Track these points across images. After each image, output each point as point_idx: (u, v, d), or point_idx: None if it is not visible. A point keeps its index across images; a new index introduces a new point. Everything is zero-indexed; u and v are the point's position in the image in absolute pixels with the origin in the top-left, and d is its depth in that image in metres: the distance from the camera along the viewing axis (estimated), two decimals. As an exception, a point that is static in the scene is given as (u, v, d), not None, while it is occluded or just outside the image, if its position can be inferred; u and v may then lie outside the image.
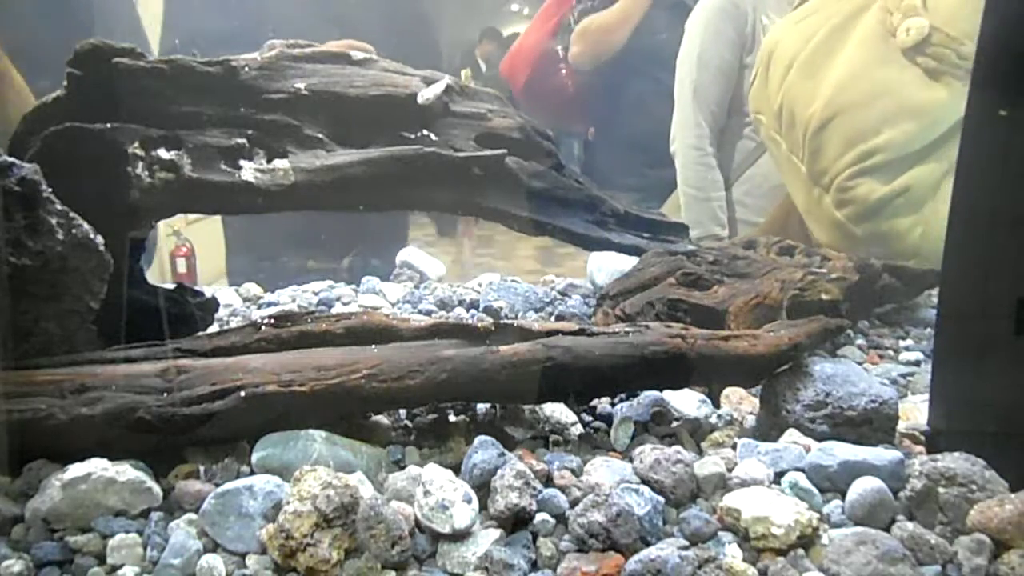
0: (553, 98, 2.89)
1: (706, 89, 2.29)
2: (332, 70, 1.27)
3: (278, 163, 1.16)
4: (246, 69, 1.19)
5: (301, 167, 1.16)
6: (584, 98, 2.86)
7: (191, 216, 2.19)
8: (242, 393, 0.88)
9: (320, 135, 1.21)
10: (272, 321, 1.00)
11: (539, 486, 0.85)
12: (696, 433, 1.05)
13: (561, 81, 2.83)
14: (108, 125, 1.07)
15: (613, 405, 1.11)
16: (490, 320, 1.31)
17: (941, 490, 0.85)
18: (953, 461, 0.87)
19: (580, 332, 1.00)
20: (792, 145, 1.87)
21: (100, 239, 0.97)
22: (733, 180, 2.35)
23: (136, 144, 1.08)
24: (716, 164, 2.31)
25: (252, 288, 1.82)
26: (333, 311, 1.55)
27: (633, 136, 2.78)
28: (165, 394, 0.88)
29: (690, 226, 1.68)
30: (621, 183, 2.78)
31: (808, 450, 0.93)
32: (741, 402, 1.15)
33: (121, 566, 0.78)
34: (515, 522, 0.83)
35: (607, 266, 1.70)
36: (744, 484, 0.89)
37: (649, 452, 0.91)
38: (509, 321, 1.03)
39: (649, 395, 1.08)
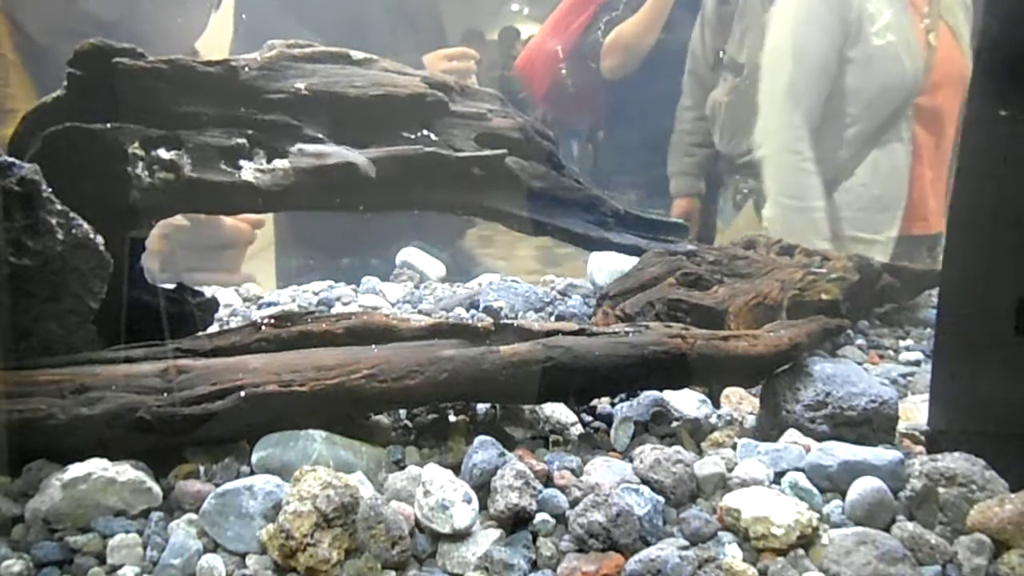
0: (581, 101, 2.91)
1: (803, 85, 2.08)
2: (332, 70, 1.27)
3: (278, 163, 1.16)
4: (246, 69, 1.19)
5: (301, 167, 1.16)
6: (610, 99, 2.88)
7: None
8: (242, 393, 0.88)
9: (320, 135, 1.21)
10: (272, 321, 1.00)
11: (539, 486, 0.85)
12: (696, 433, 1.05)
13: (590, 84, 2.84)
14: (108, 125, 1.07)
15: (613, 405, 1.11)
16: (490, 320, 1.31)
17: (941, 490, 0.85)
18: (953, 461, 0.87)
19: (580, 332, 1.00)
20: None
21: (100, 239, 0.97)
22: (831, 190, 2.16)
23: (136, 144, 1.08)
24: (815, 170, 2.10)
25: (252, 288, 1.82)
26: (333, 311, 1.55)
27: (657, 136, 2.80)
28: (165, 394, 0.88)
29: (788, 240, 1.58)
30: (633, 182, 2.83)
31: (808, 450, 0.93)
32: (741, 402, 1.15)
33: (121, 566, 0.78)
34: (515, 522, 0.83)
35: (607, 266, 1.70)
36: (744, 484, 0.89)
37: (649, 452, 0.91)
38: (509, 321, 1.03)
39: (649, 395, 1.08)
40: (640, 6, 2.73)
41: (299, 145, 1.16)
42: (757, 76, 2.43)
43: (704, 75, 2.68)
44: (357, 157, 1.19)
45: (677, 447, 0.94)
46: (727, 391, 1.16)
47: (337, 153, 1.17)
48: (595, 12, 2.84)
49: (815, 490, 0.88)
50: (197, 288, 1.25)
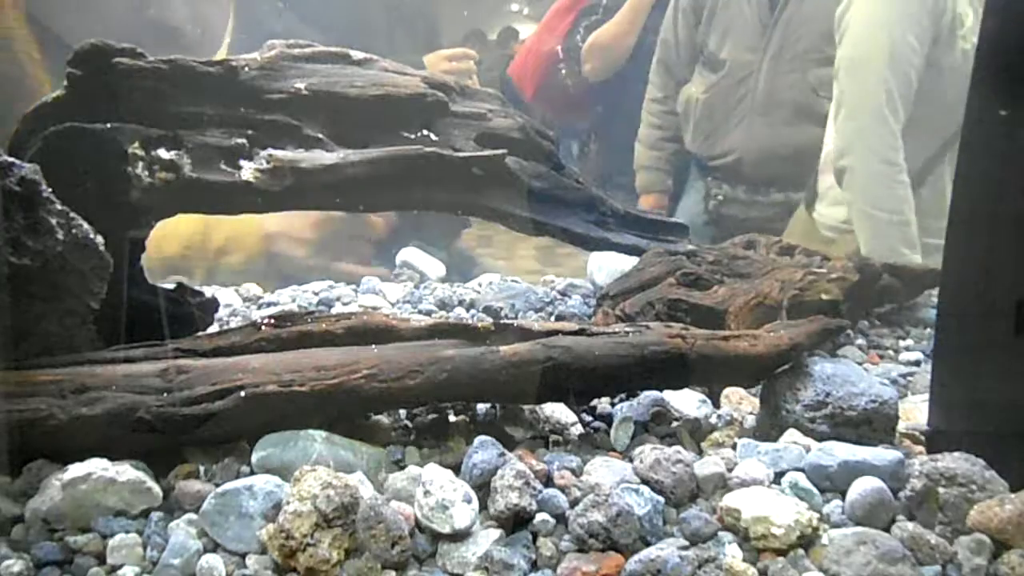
0: (565, 102, 2.91)
1: (898, 94, 1.95)
2: (332, 70, 1.27)
3: (247, 164, 1.15)
4: (246, 69, 1.19)
5: (301, 167, 1.16)
6: (595, 99, 2.88)
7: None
8: (242, 393, 0.88)
9: (320, 135, 1.21)
10: (272, 321, 1.00)
11: (539, 486, 0.85)
12: (696, 433, 1.05)
13: (574, 85, 2.84)
14: (108, 125, 1.07)
15: (613, 405, 1.11)
16: (490, 320, 1.31)
17: (941, 490, 0.85)
18: (953, 461, 0.87)
19: (580, 332, 1.00)
20: None
21: (100, 239, 0.97)
22: None
23: (136, 144, 1.08)
24: (908, 181, 1.97)
25: (252, 288, 1.82)
26: (333, 311, 1.55)
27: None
28: (165, 394, 0.88)
29: (873, 254, 1.49)
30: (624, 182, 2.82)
31: (808, 450, 0.93)
32: (741, 402, 1.15)
33: (121, 566, 0.78)
34: (515, 522, 0.83)
35: (607, 266, 1.70)
36: (744, 484, 0.89)
37: (649, 452, 0.91)
38: (509, 321, 1.03)
39: (649, 395, 1.08)
40: (619, 9, 2.73)
41: (269, 151, 1.15)
42: (740, 75, 2.43)
43: (675, 66, 2.66)
44: (335, 157, 1.17)
45: (677, 447, 0.94)
46: (727, 391, 1.16)
47: (310, 158, 1.16)
48: (576, 16, 2.85)
49: (815, 490, 0.88)
50: (197, 288, 1.25)
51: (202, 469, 0.89)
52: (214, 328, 1.23)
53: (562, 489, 0.87)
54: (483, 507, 0.84)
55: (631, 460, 0.93)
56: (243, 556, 0.79)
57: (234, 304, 1.69)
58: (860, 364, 1.27)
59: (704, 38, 2.54)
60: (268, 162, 1.13)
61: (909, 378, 1.28)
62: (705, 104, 2.53)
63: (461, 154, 1.30)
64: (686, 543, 0.82)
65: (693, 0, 2.57)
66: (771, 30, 2.40)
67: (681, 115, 2.63)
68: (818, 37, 2.29)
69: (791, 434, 0.98)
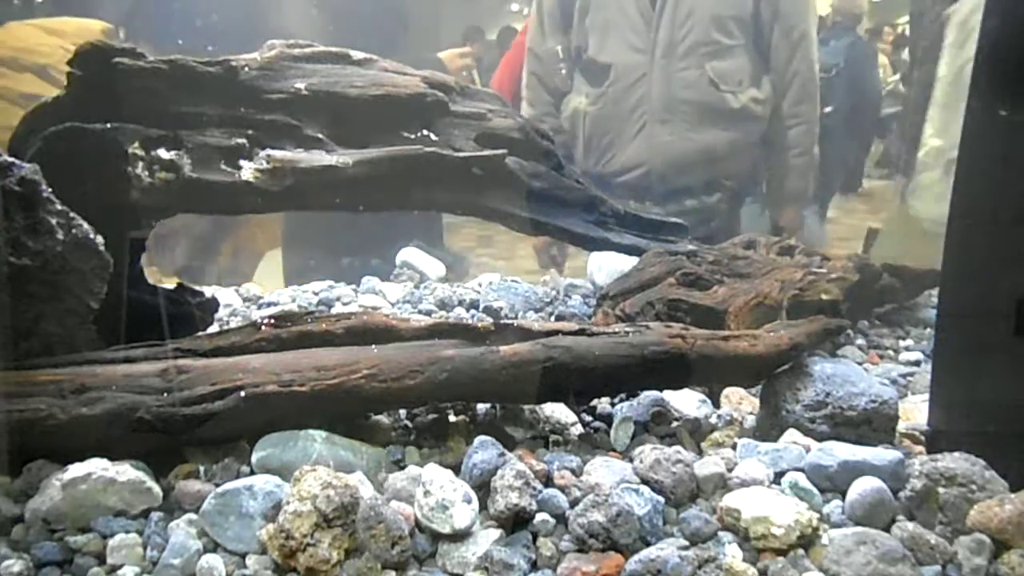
0: None
1: None
2: (332, 70, 1.27)
3: (245, 164, 1.15)
4: (246, 69, 1.19)
5: (301, 167, 1.16)
6: None
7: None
8: (242, 393, 0.88)
9: (320, 135, 1.21)
10: (272, 321, 1.00)
11: (539, 486, 0.85)
12: (696, 433, 1.05)
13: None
14: (108, 125, 1.07)
15: (613, 405, 1.11)
16: (490, 320, 1.31)
17: (941, 490, 0.85)
18: (953, 461, 0.87)
19: (580, 332, 1.00)
20: None
21: (100, 239, 0.97)
22: None
23: (136, 144, 1.08)
24: None
25: (252, 288, 1.82)
26: (333, 311, 1.55)
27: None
28: (165, 394, 0.88)
29: None
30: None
31: (808, 450, 0.93)
32: (741, 402, 1.15)
33: (121, 566, 0.78)
34: (515, 522, 0.83)
35: (607, 266, 1.70)
36: (744, 484, 0.89)
37: (649, 452, 0.91)
38: (509, 321, 1.03)
39: (649, 395, 1.08)
40: None
41: (268, 151, 1.15)
42: (630, 79, 2.16)
43: (548, 77, 2.35)
44: (333, 159, 1.17)
45: (677, 447, 0.94)
46: (727, 391, 1.16)
47: (308, 159, 1.15)
48: None
49: (815, 490, 0.88)
50: (197, 288, 1.25)
51: (202, 469, 0.89)
52: (214, 328, 1.23)
53: (562, 489, 0.87)
54: (483, 507, 0.84)
55: (631, 460, 0.93)
56: (243, 556, 0.79)
57: (234, 304, 1.69)
58: (860, 364, 1.27)
59: (581, 41, 2.25)
60: (267, 162, 1.13)
61: (909, 378, 1.28)
62: (595, 117, 2.24)
63: (461, 154, 1.30)
64: (686, 543, 0.82)
65: (560, 1, 2.26)
66: (656, 24, 2.13)
67: (568, 132, 2.30)
68: (710, 24, 2.10)
69: (791, 434, 0.98)
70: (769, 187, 2.42)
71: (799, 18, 2.20)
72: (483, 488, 0.85)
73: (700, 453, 0.99)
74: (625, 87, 2.18)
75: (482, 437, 0.90)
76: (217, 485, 0.83)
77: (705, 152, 2.20)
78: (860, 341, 1.47)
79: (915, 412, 1.09)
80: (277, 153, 1.14)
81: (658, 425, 1.06)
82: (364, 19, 2.23)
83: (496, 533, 0.81)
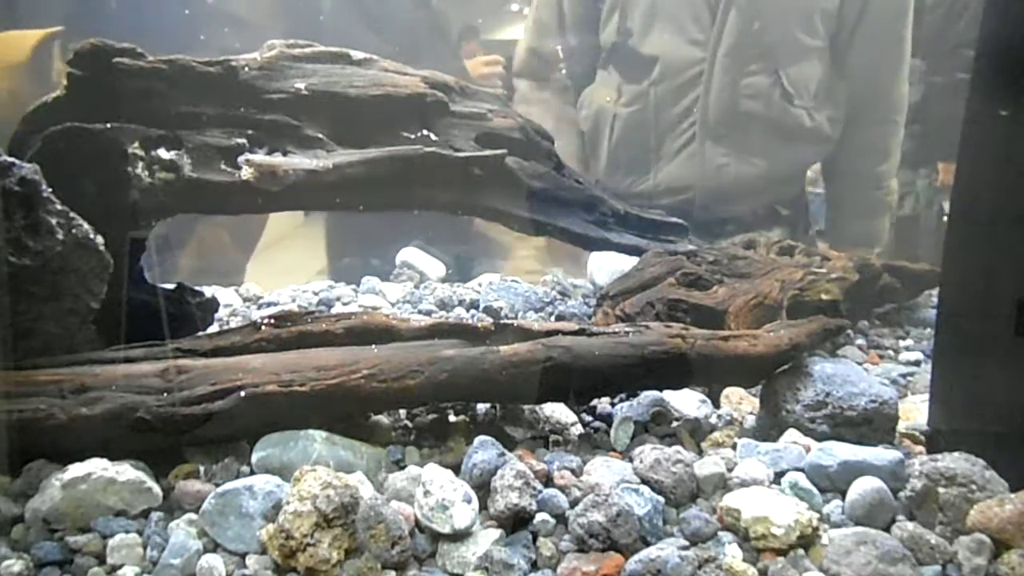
0: None
1: None
2: (332, 70, 1.27)
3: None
4: (246, 69, 1.19)
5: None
6: None
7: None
8: (242, 393, 0.88)
9: (320, 135, 1.21)
10: (272, 321, 1.00)
11: (539, 486, 0.85)
12: (696, 433, 1.05)
13: None
14: (108, 125, 1.07)
15: (613, 405, 1.11)
16: (490, 320, 1.31)
17: (941, 490, 0.85)
18: (953, 461, 0.87)
19: (580, 332, 1.00)
20: None
21: (100, 239, 0.97)
22: None
23: (136, 144, 1.08)
24: None
25: (252, 288, 1.82)
26: (333, 311, 1.55)
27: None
28: (165, 394, 0.88)
29: None
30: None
31: (808, 450, 0.93)
32: (741, 402, 1.15)
33: (121, 566, 0.78)
34: (515, 522, 0.83)
35: (607, 266, 1.70)
36: (744, 484, 0.89)
37: (649, 452, 0.91)
38: (509, 321, 1.03)
39: (649, 395, 1.08)
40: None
41: (246, 155, 1.14)
42: (680, 78, 1.71)
43: (545, 62, 1.89)
44: (311, 162, 1.16)
45: (677, 447, 0.94)
46: (727, 391, 1.16)
47: (287, 163, 1.15)
48: None
49: (815, 490, 0.88)
50: (197, 288, 1.25)
51: (202, 469, 0.89)
52: (214, 328, 1.22)
53: (562, 489, 0.87)
54: (483, 507, 0.84)
55: (631, 460, 0.93)
56: (243, 556, 0.79)
57: (234, 304, 1.69)
58: (860, 364, 1.27)
59: (622, 22, 1.77)
60: (247, 165, 1.11)
61: (909, 378, 1.28)
62: (629, 121, 1.78)
63: (461, 154, 1.30)
64: (686, 543, 0.82)
65: None
66: (723, 13, 1.67)
67: (587, 135, 1.85)
68: (794, 19, 1.65)
69: (791, 434, 0.98)
70: (830, 226, 1.97)
71: (893, 18, 1.72)
72: (483, 488, 0.85)
73: (700, 453, 0.99)
74: (672, 88, 1.75)
75: (482, 437, 0.90)
76: (217, 485, 0.83)
77: (766, 180, 1.76)
78: (860, 341, 1.47)
79: (915, 412, 1.09)
80: (256, 157, 1.14)
81: (658, 425, 1.06)
82: (404, 28, 2.17)
83: (496, 533, 0.81)
